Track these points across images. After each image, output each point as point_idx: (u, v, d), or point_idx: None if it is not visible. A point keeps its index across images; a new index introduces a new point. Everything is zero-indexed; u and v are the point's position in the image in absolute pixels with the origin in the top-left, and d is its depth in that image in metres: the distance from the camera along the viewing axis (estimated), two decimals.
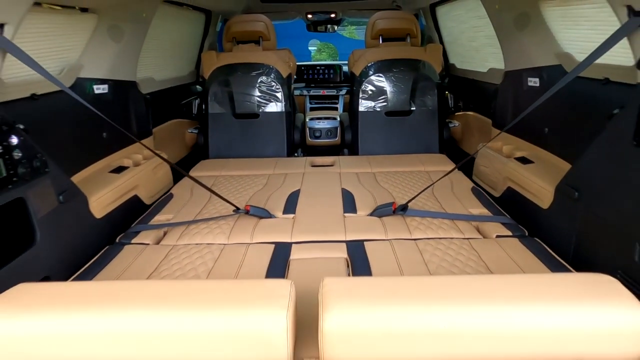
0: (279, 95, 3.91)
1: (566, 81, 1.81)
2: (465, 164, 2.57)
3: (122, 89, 2.91)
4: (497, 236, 2.16)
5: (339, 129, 4.27)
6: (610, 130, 1.71)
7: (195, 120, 4.30)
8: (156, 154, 2.49)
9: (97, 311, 1.17)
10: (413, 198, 2.45)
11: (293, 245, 2.11)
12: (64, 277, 1.87)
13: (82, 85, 2.47)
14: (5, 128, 1.58)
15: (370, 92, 3.88)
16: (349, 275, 1.86)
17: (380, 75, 3.88)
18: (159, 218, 2.48)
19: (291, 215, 2.45)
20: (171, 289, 1.29)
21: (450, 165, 3.17)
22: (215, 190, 2.66)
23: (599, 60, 1.88)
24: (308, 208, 2.52)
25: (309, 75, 5.49)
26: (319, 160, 3.61)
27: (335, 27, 6.08)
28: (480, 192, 2.74)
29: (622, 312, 1.13)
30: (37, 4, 1.87)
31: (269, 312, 1.14)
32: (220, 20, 4.81)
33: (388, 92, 3.87)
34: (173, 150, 3.75)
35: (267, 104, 3.92)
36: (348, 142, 4.04)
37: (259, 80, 3.89)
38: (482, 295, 1.19)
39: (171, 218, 2.47)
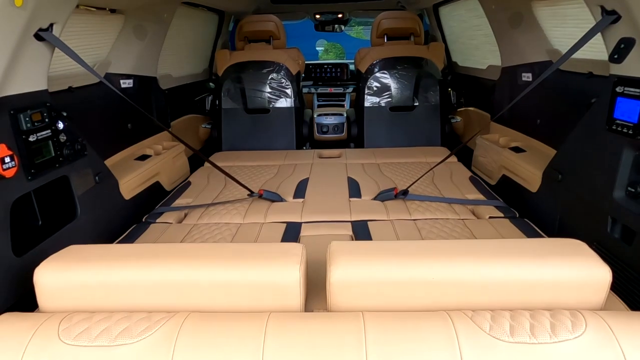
0: (289, 91, 4.13)
1: (547, 74, 2.01)
2: (465, 156, 2.76)
3: (145, 84, 3.14)
4: (490, 217, 2.36)
5: (345, 124, 4.48)
6: (587, 117, 1.90)
7: (208, 116, 4.53)
8: (181, 141, 2.70)
9: (140, 264, 1.38)
10: (413, 183, 2.65)
11: (303, 224, 2.32)
12: None
13: (110, 80, 2.70)
14: (54, 114, 1.81)
15: (375, 89, 4.09)
16: None
17: (385, 72, 4.08)
18: (179, 202, 2.71)
19: (301, 200, 2.67)
20: (202, 249, 1.51)
21: (451, 157, 3.36)
22: (227, 179, 2.88)
23: (585, 56, 2.07)
24: (316, 193, 2.73)
25: (316, 73, 5.70)
26: (327, 152, 3.82)
27: (342, 27, 6.29)
28: (477, 180, 2.93)
29: (586, 267, 1.32)
30: (77, 6, 2.10)
31: (285, 267, 1.36)
32: (232, 20, 5.04)
33: (392, 89, 4.07)
34: (188, 143, 3.98)
35: (277, 99, 4.14)
36: (354, 136, 4.25)
37: (269, 77, 4.12)
38: (465, 253, 1.39)
39: (190, 202, 2.69)
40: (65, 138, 1.86)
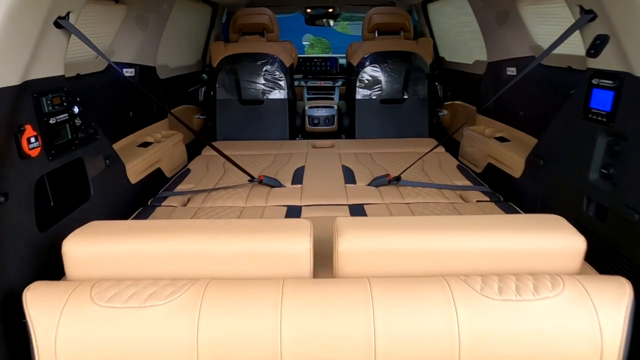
0: (282, 83, 4.24)
1: (529, 68, 2.19)
2: (452, 147, 2.93)
3: (145, 73, 3.22)
4: (477, 201, 2.53)
5: (336, 116, 4.62)
6: (566, 108, 2.09)
7: (201, 107, 4.60)
8: (187, 127, 2.78)
9: (162, 237, 1.50)
10: (406, 169, 2.81)
11: (303, 207, 2.46)
12: None
13: (113, 68, 2.78)
14: (71, 99, 1.90)
15: (366, 82, 4.24)
16: None
17: (376, 66, 4.23)
18: (181, 187, 2.81)
19: (299, 185, 2.80)
20: (220, 224, 1.64)
21: (440, 148, 3.54)
22: (225, 167, 2.99)
23: (564, 52, 2.24)
24: (313, 179, 2.87)
25: (306, 67, 5.80)
26: (320, 143, 3.95)
27: (332, 22, 6.41)
28: (464, 168, 3.11)
29: (564, 237, 1.50)
30: None
31: (297, 239, 1.49)
32: (225, 12, 5.11)
33: (383, 82, 4.22)
34: (183, 133, 4.06)
35: (271, 91, 4.25)
36: (346, 127, 4.39)
37: (264, 69, 4.22)
38: (459, 227, 1.56)
39: (192, 187, 2.80)
40: (79, 122, 1.95)
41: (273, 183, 2.76)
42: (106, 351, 1.30)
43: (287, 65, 4.30)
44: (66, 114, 1.86)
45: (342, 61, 5.62)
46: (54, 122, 1.77)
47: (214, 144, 3.91)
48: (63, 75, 1.87)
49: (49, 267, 1.64)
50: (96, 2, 2.49)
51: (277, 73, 4.24)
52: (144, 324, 1.30)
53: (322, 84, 5.51)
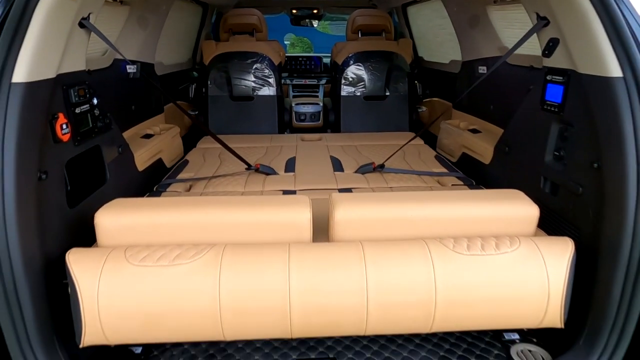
0: (271, 80, 4.49)
1: (495, 67, 2.51)
2: (430, 140, 3.24)
3: (145, 70, 3.42)
4: (452, 185, 2.84)
5: (321, 113, 4.89)
6: (527, 101, 2.41)
7: (191, 103, 4.80)
8: (191, 117, 3.00)
9: (183, 209, 1.74)
10: (389, 157, 3.11)
11: (297, 192, 2.72)
12: None
13: (118, 65, 2.97)
14: (92, 91, 2.11)
15: (351, 79, 4.53)
16: None
17: (360, 64, 4.53)
18: (182, 176, 3.03)
19: (292, 173, 3.06)
20: (233, 198, 1.89)
21: (419, 141, 3.84)
22: (222, 158, 3.22)
23: (527, 53, 2.56)
24: (305, 168, 3.13)
25: (292, 65, 6.06)
26: (308, 136, 4.21)
27: (315, 22, 6.68)
28: (441, 158, 3.42)
29: (521, 206, 1.81)
30: None
31: (299, 209, 1.76)
32: (215, 12, 5.31)
33: (366, 80, 4.52)
34: (179, 126, 4.26)
35: (260, 88, 4.49)
36: (331, 122, 4.67)
37: (253, 67, 4.46)
38: (433, 199, 1.85)
39: (192, 176, 3.02)
40: (98, 112, 2.17)
41: (268, 171, 3.01)
42: (142, 303, 1.54)
43: (276, 63, 4.55)
44: (88, 105, 2.07)
45: (326, 60, 5.89)
46: (79, 111, 1.98)
47: (208, 137, 4.13)
48: (84, 70, 2.08)
49: (77, 239, 1.86)
50: (105, 4, 2.68)
51: (266, 71, 4.48)
52: (173, 279, 1.55)
53: (307, 82, 5.77)
